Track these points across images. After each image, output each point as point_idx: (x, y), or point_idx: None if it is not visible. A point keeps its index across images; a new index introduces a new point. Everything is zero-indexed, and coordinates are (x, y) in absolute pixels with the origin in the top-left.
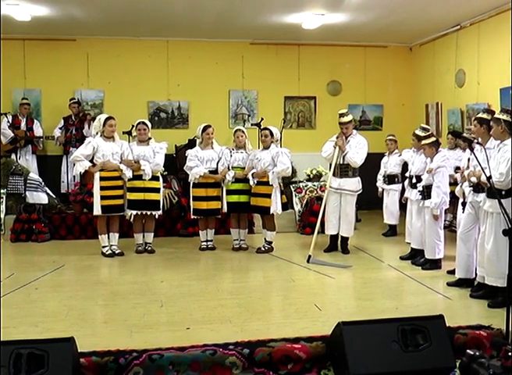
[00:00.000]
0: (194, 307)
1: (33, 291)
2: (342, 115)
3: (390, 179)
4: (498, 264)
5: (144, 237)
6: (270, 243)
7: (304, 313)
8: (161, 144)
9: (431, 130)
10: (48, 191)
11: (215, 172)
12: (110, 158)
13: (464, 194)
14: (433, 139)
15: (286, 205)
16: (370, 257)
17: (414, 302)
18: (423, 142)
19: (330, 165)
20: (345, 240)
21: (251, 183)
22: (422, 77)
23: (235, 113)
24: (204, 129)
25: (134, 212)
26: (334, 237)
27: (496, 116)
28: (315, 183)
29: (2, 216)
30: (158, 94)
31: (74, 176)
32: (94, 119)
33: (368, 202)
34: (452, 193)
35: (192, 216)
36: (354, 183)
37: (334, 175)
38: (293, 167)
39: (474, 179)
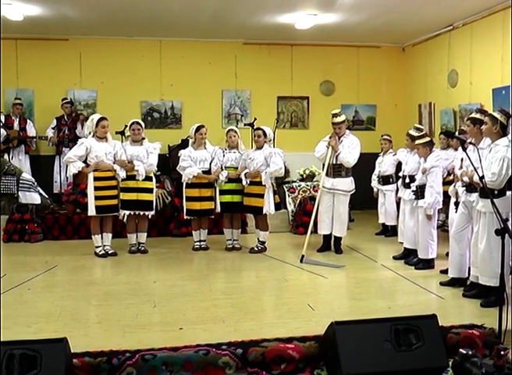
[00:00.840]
0: (187, 307)
1: (25, 291)
2: (335, 115)
3: (385, 179)
4: (491, 264)
5: (137, 237)
6: (263, 243)
7: (297, 313)
8: (154, 144)
9: (424, 130)
10: (41, 191)
11: (208, 172)
12: (103, 159)
13: (457, 193)
14: (427, 139)
15: (279, 205)
16: (363, 257)
17: (407, 302)
18: (417, 142)
19: (323, 165)
20: (338, 240)
21: (244, 183)
22: (415, 77)
23: (228, 113)
24: (198, 129)
25: (127, 213)
26: (327, 237)
27: (494, 114)
28: (308, 183)
29: None
30: (151, 94)
31: (67, 177)
32: (86, 119)
33: (361, 202)
34: (445, 193)
35: (185, 217)
36: (347, 183)
37: (327, 175)
38: (286, 167)
39: (466, 179)
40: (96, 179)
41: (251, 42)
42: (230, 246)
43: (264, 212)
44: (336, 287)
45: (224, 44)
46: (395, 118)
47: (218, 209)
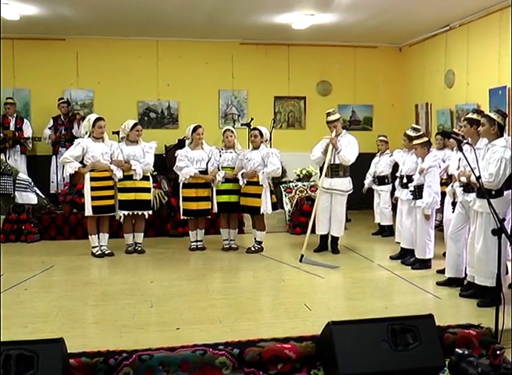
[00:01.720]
0: (184, 307)
1: (22, 291)
2: (329, 114)
3: (380, 180)
4: (487, 264)
5: (133, 237)
6: (260, 243)
7: (293, 313)
8: (150, 143)
9: (422, 130)
10: (38, 192)
11: (204, 172)
12: (100, 159)
13: (454, 193)
14: (425, 139)
15: (276, 205)
16: (360, 257)
17: (403, 302)
18: (415, 142)
19: (321, 166)
20: (335, 240)
21: (241, 183)
22: (412, 78)
23: (225, 113)
24: (195, 129)
25: (125, 213)
26: (324, 237)
27: (491, 115)
28: (305, 183)
29: None
30: (147, 94)
31: (64, 177)
32: (83, 118)
33: (358, 202)
34: (443, 193)
35: (182, 217)
36: (345, 183)
37: (325, 175)
38: (282, 167)
39: (464, 179)
40: (93, 179)
41: (248, 42)
42: (227, 246)
43: (261, 211)
44: (332, 287)
45: (221, 44)
46: (392, 118)
47: (215, 209)
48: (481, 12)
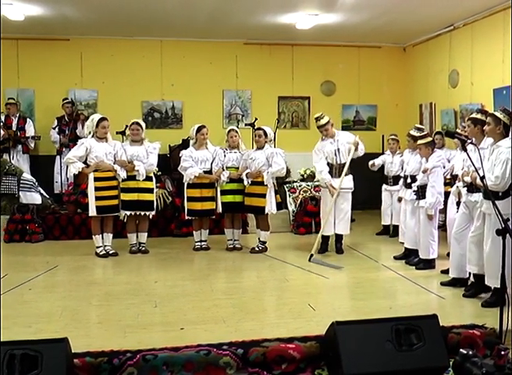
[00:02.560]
0: (188, 307)
1: (26, 291)
2: (317, 118)
3: (395, 180)
4: (498, 266)
5: (137, 237)
6: (264, 243)
7: (297, 313)
8: (154, 144)
9: (426, 130)
10: (42, 192)
11: (209, 172)
12: (104, 159)
13: (459, 193)
14: (429, 139)
15: (280, 205)
16: (364, 257)
17: (407, 302)
18: (419, 142)
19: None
20: (340, 239)
21: (245, 183)
22: (416, 78)
23: (229, 113)
24: (199, 129)
25: (128, 213)
26: (326, 239)
27: (496, 114)
28: (309, 183)
29: None
30: (151, 94)
31: (68, 177)
32: (87, 118)
33: (362, 202)
34: (446, 193)
35: (186, 217)
36: (350, 181)
37: (333, 176)
38: (286, 167)
39: (467, 179)
40: (96, 179)
41: (252, 42)
42: (231, 246)
43: (266, 211)
44: (336, 287)
45: (225, 44)
46: (396, 118)
47: (220, 209)
48: (485, 12)
